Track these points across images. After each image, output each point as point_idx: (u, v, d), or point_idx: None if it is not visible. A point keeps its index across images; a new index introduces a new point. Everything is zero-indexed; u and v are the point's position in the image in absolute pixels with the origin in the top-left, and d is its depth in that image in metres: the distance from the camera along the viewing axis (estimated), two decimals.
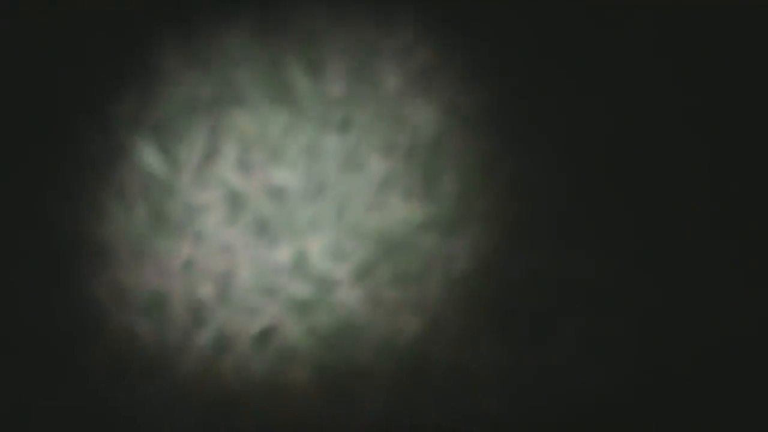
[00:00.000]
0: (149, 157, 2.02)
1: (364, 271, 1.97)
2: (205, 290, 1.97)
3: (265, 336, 1.96)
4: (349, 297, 1.98)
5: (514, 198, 2.04)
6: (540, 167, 2.06)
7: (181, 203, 2.01)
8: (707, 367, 1.98)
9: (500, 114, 2.08)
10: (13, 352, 1.93)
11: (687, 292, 2.01)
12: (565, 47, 2.11)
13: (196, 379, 1.94)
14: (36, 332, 1.95)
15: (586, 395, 1.96)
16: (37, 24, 2.01)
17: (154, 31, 2.06)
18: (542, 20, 2.11)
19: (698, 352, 1.98)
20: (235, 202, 2.01)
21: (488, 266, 2.00)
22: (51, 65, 2.02)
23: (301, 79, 2.06)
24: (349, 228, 2.00)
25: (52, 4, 2.01)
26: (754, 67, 2.11)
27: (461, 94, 2.08)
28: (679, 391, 1.96)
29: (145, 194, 2.02)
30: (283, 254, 1.99)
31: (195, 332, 1.96)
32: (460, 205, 2.01)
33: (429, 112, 2.06)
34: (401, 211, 2.01)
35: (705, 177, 2.08)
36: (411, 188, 2.03)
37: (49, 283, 1.97)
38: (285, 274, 1.98)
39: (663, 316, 2.00)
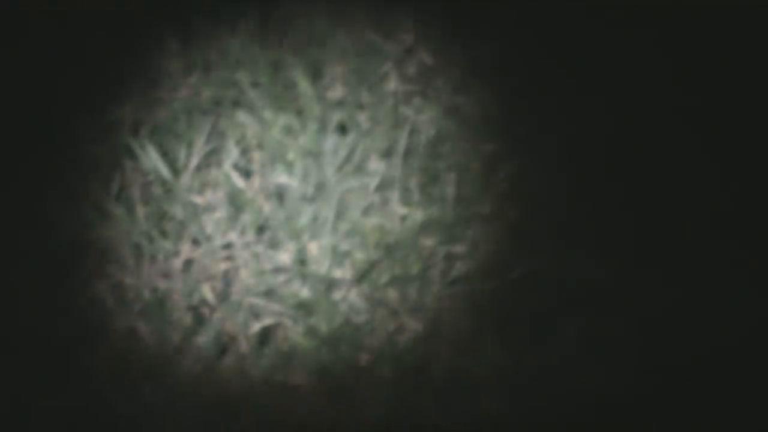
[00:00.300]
0: (150, 158, 2.03)
1: (363, 272, 1.97)
2: (206, 291, 1.98)
3: (265, 336, 1.97)
4: (349, 298, 1.98)
5: (514, 199, 2.04)
6: (540, 168, 2.06)
7: (182, 204, 2.02)
8: (708, 367, 1.97)
9: (500, 115, 2.08)
10: (15, 353, 1.94)
11: (687, 292, 2.01)
12: (565, 48, 2.11)
13: (197, 379, 1.95)
14: (38, 333, 1.96)
15: (587, 396, 1.96)
16: (38, 26, 2.02)
17: (154, 33, 2.06)
18: (542, 21, 2.11)
19: (699, 352, 1.98)
20: (236, 203, 2.02)
21: (489, 267, 2.00)
22: (52, 67, 2.03)
23: (301, 81, 2.07)
24: (349, 229, 2.00)
25: (52, 4, 2.02)
26: (755, 68, 2.11)
27: (461, 95, 2.08)
28: (679, 392, 1.96)
29: (146, 196, 2.03)
30: (283, 255, 1.99)
31: (195, 332, 1.97)
32: (459, 207, 2.01)
33: (428, 113, 2.06)
34: (401, 213, 2.01)
35: (705, 177, 2.08)
36: (410, 189, 2.03)
37: (51, 285, 1.98)
38: (285, 275, 1.99)
39: (663, 316, 2.00)
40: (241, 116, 2.07)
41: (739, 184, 2.06)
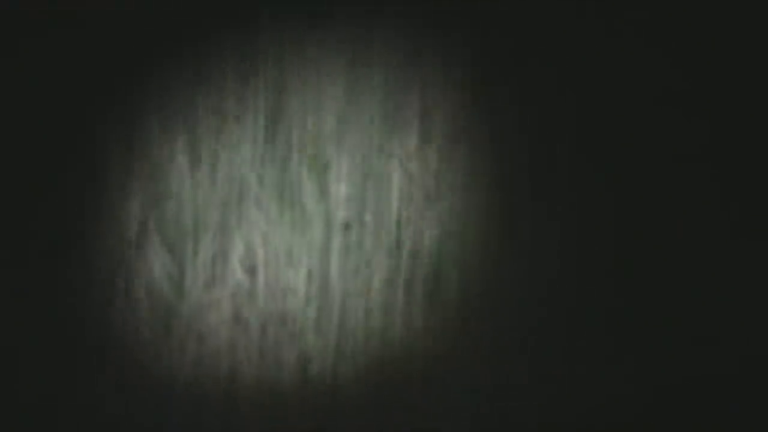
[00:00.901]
0: (157, 255, 2.04)
1: (367, 372, 1.99)
2: (211, 387, 2.00)
3: None
4: (353, 395, 2.00)
5: (518, 299, 2.05)
6: (546, 266, 2.08)
7: (188, 302, 2.03)
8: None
9: (503, 216, 2.10)
10: None
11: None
12: (572, 146, 2.12)
13: None
14: None
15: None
16: (47, 120, 2.02)
17: (163, 131, 2.07)
18: (548, 118, 2.12)
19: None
20: (241, 299, 2.04)
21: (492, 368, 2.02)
22: (57, 168, 2.04)
23: (307, 177, 2.08)
24: (352, 328, 2.01)
25: (67, 92, 2.03)
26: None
27: (465, 197, 2.10)
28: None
29: (151, 293, 2.04)
30: (287, 354, 2.01)
31: (200, 429, 1.99)
32: (463, 306, 2.03)
33: (433, 213, 2.07)
34: (404, 313, 2.03)
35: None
36: (415, 289, 2.05)
37: (53, 384, 2.00)
38: (289, 373, 2.00)
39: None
40: (247, 212, 2.08)
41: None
